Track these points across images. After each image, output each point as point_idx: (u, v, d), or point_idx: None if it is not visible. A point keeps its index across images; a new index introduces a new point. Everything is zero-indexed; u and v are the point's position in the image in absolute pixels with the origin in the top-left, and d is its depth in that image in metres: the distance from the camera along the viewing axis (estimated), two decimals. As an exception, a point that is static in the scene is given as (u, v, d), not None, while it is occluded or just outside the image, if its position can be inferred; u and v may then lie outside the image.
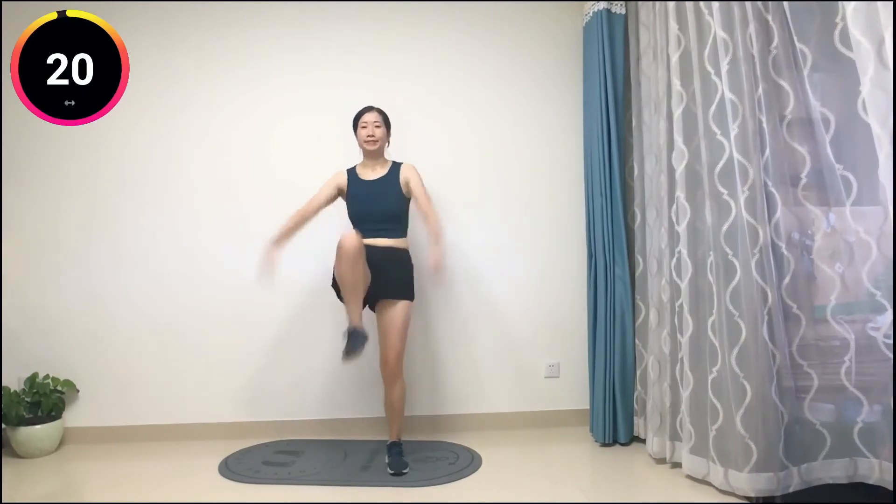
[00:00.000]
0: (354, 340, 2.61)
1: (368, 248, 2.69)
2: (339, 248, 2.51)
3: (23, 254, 3.28)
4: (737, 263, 2.38)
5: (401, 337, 2.74)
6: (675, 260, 2.73)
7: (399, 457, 2.79)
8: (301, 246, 3.17)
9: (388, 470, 2.74)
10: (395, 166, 2.87)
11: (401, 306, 2.74)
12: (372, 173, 2.86)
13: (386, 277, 2.71)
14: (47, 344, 3.27)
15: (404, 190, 2.82)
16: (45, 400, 3.12)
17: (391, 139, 2.95)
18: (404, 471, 2.72)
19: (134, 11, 3.28)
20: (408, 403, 2.91)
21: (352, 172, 2.90)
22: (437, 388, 3.38)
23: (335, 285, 2.74)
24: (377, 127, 2.83)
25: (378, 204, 2.79)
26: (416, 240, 3.02)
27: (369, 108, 2.88)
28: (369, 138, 2.82)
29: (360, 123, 2.85)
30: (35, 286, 3.28)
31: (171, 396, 3.31)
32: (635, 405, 3.08)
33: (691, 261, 2.60)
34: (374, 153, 2.85)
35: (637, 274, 3.11)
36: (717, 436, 2.44)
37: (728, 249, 2.41)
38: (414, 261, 2.88)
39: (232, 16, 3.36)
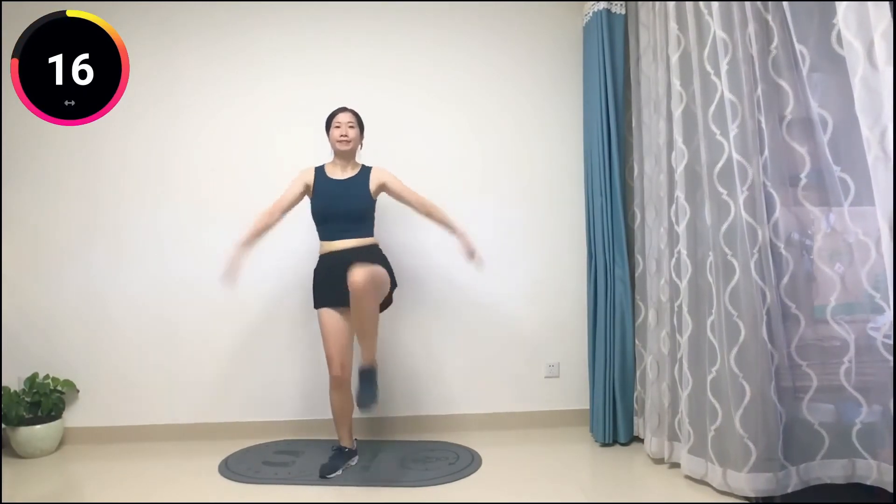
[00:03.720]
0: (337, 460, 2.78)
1: (336, 252, 2.72)
2: (333, 381, 2.74)
3: (23, 254, 3.28)
4: (736, 263, 2.38)
5: (370, 268, 2.46)
6: (674, 260, 2.73)
7: (371, 387, 2.56)
8: (302, 246, 3.18)
9: (356, 404, 2.59)
10: (366, 169, 2.86)
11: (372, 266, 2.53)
12: (342, 173, 2.84)
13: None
14: (47, 344, 3.27)
15: (374, 193, 2.82)
16: (45, 400, 3.12)
17: (363, 142, 2.91)
18: (372, 404, 2.56)
19: (134, 12, 3.28)
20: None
21: (320, 170, 2.86)
22: (437, 388, 3.37)
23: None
24: (350, 127, 2.82)
25: (344, 203, 2.77)
26: (390, 241, 3.02)
27: (343, 109, 2.86)
28: (342, 138, 2.79)
29: (334, 123, 2.83)
30: (35, 286, 3.28)
31: (171, 396, 3.31)
32: (635, 405, 3.08)
33: (690, 261, 2.60)
34: (345, 154, 2.83)
35: (637, 274, 3.11)
36: (716, 436, 2.45)
37: (727, 249, 2.41)
38: (389, 257, 2.85)
39: (232, 16, 3.36)
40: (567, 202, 3.42)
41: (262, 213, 2.77)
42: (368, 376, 2.59)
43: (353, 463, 2.84)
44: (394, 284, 2.78)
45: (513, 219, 3.43)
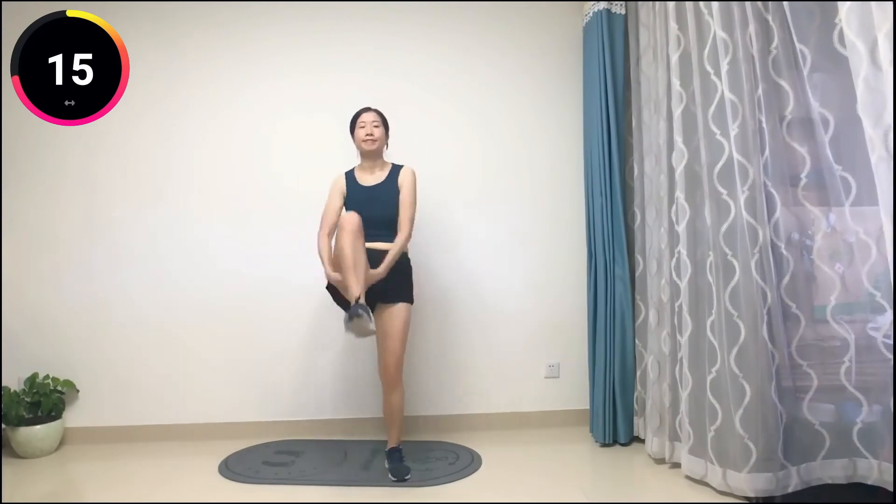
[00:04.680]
0: (355, 310, 2.48)
1: (368, 251, 2.64)
2: (341, 224, 2.52)
3: (23, 254, 3.28)
4: (736, 263, 2.38)
5: (401, 341, 2.69)
6: (674, 260, 2.73)
7: (400, 462, 2.74)
8: (302, 246, 3.18)
9: (390, 476, 2.69)
10: (395, 169, 2.82)
11: (400, 309, 2.70)
12: (371, 177, 2.81)
13: (385, 281, 2.65)
14: (47, 344, 3.27)
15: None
16: (45, 400, 3.12)
17: (389, 141, 2.91)
18: (406, 476, 2.67)
19: (134, 11, 3.28)
20: (408, 403, 2.90)
21: (350, 176, 2.84)
22: (437, 388, 3.38)
23: (330, 287, 2.71)
24: (375, 126, 2.79)
25: (377, 210, 2.72)
26: (419, 244, 3.02)
27: (367, 109, 2.84)
28: (368, 137, 2.77)
29: (359, 123, 2.81)
30: (35, 286, 3.28)
31: (171, 396, 3.31)
32: (635, 405, 3.08)
33: (690, 261, 2.60)
34: (372, 154, 2.80)
35: (637, 274, 3.11)
36: (716, 436, 2.44)
37: (727, 249, 2.41)
38: (412, 264, 2.84)
39: (233, 15, 3.36)
40: (567, 202, 3.42)
41: (321, 241, 2.72)
42: (398, 456, 2.77)
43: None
44: (411, 300, 2.76)
45: (512, 218, 3.43)
